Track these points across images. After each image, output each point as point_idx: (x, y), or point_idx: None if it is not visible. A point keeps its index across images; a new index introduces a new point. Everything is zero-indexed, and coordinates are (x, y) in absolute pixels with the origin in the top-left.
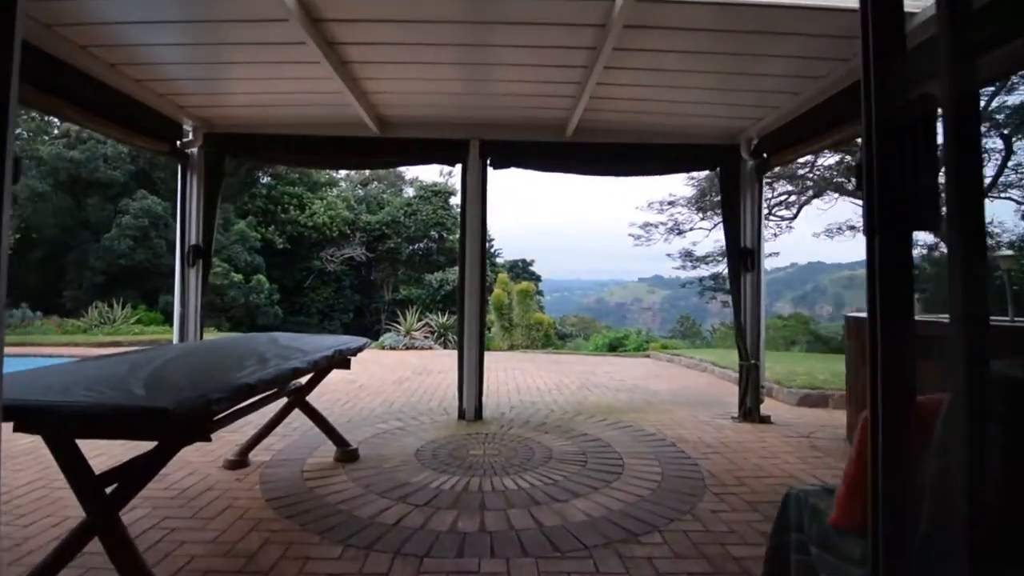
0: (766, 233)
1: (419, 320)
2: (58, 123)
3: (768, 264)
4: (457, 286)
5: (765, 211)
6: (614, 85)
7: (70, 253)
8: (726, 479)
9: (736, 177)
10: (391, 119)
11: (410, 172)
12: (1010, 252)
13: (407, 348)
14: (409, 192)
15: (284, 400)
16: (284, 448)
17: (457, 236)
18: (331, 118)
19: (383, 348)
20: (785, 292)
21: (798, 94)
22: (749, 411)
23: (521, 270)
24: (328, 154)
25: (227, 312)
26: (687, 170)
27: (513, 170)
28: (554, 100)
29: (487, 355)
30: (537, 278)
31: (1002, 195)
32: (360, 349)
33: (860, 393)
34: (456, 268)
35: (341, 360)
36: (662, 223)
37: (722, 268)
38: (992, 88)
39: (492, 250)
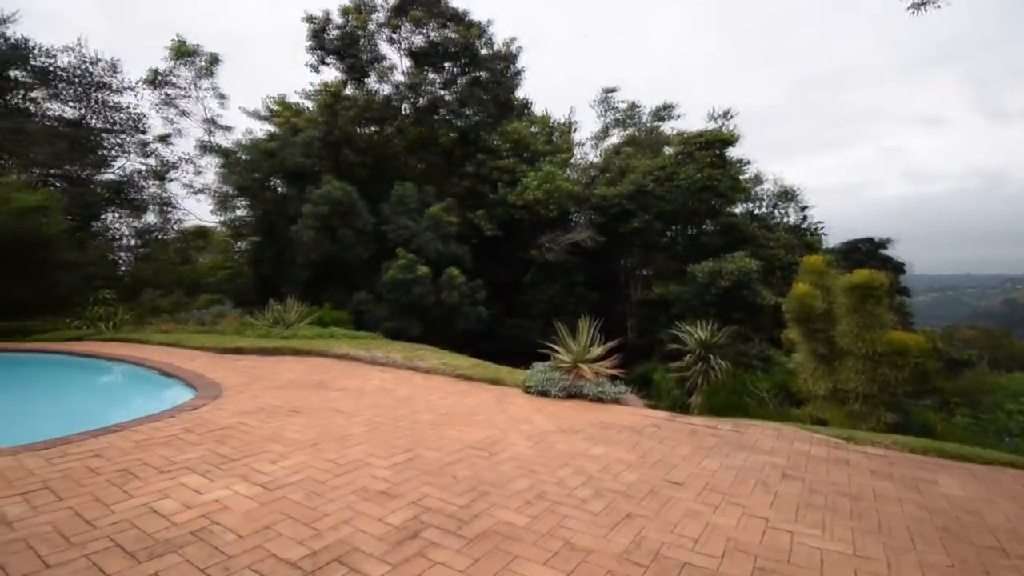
0: None
1: (600, 344)
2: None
3: None
4: None
5: None
6: None
7: (286, 250)
8: None
9: None
10: None
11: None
12: None
13: (569, 396)
14: (668, 152)
15: None
16: None
17: (740, 208)
18: None
19: (527, 390)
20: None
21: None
22: None
23: (867, 256)
24: None
25: (422, 313)
26: None
27: None
28: None
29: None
30: (898, 268)
31: None
32: None
33: None
34: (739, 253)
35: None
36: None
37: None
38: None
39: (807, 225)
